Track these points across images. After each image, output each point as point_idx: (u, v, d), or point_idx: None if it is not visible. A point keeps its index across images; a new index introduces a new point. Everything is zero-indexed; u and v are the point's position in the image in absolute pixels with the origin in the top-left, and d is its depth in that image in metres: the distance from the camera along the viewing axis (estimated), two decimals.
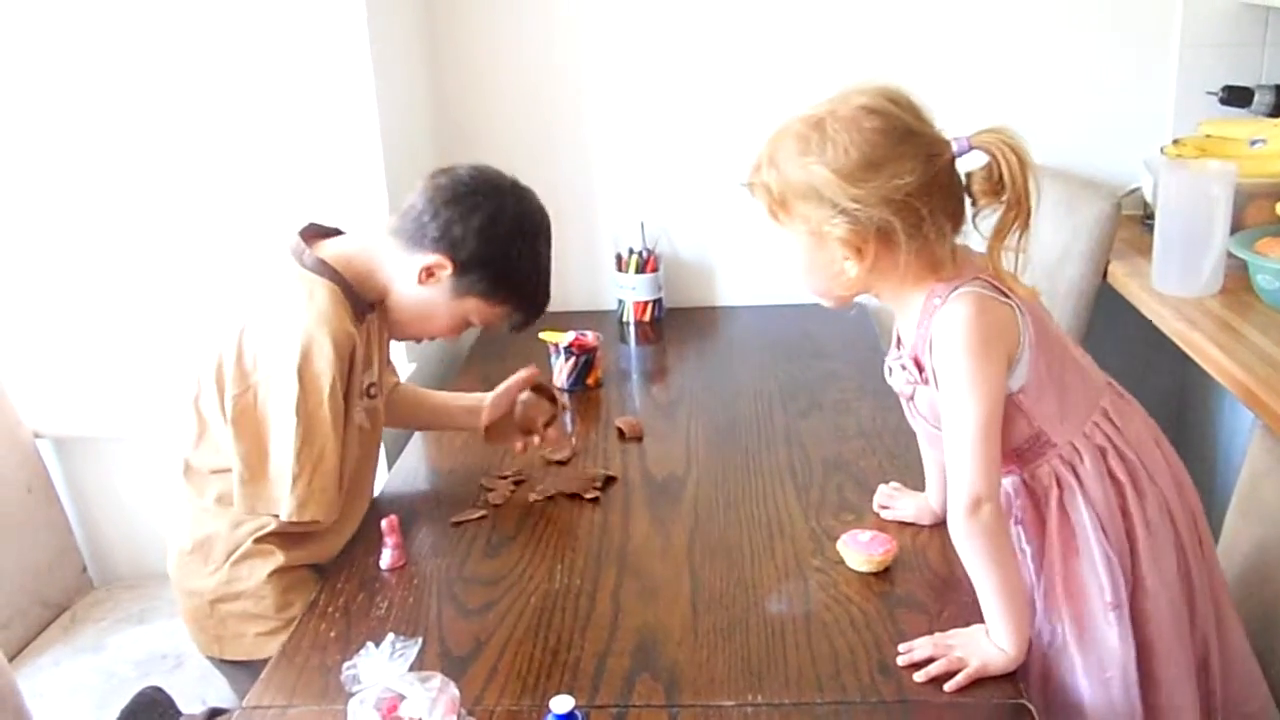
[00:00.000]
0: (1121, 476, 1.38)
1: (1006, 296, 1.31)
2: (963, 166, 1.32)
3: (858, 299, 1.40)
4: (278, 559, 1.62)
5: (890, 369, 1.45)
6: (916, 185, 1.24)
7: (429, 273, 1.60)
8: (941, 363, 1.31)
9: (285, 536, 1.63)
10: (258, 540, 1.62)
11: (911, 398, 1.42)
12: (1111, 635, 1.36)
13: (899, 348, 1.43)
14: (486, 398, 1.87)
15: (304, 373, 1.51)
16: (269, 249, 1.67)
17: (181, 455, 1.67)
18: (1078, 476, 1.37)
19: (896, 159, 1.25)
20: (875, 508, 1.66)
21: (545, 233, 1.69)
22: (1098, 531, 1.36)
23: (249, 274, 1.72)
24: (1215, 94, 2.37)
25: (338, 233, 1.71)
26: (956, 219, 1.31)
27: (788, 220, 1.32)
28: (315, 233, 1.67)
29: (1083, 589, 1.37)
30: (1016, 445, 1.37)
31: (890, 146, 1.25)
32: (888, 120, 1.26)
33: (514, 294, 1.66)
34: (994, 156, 1.28)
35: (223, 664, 1.70)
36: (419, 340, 1.75)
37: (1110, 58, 2.49)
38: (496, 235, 1.60)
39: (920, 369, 1.37)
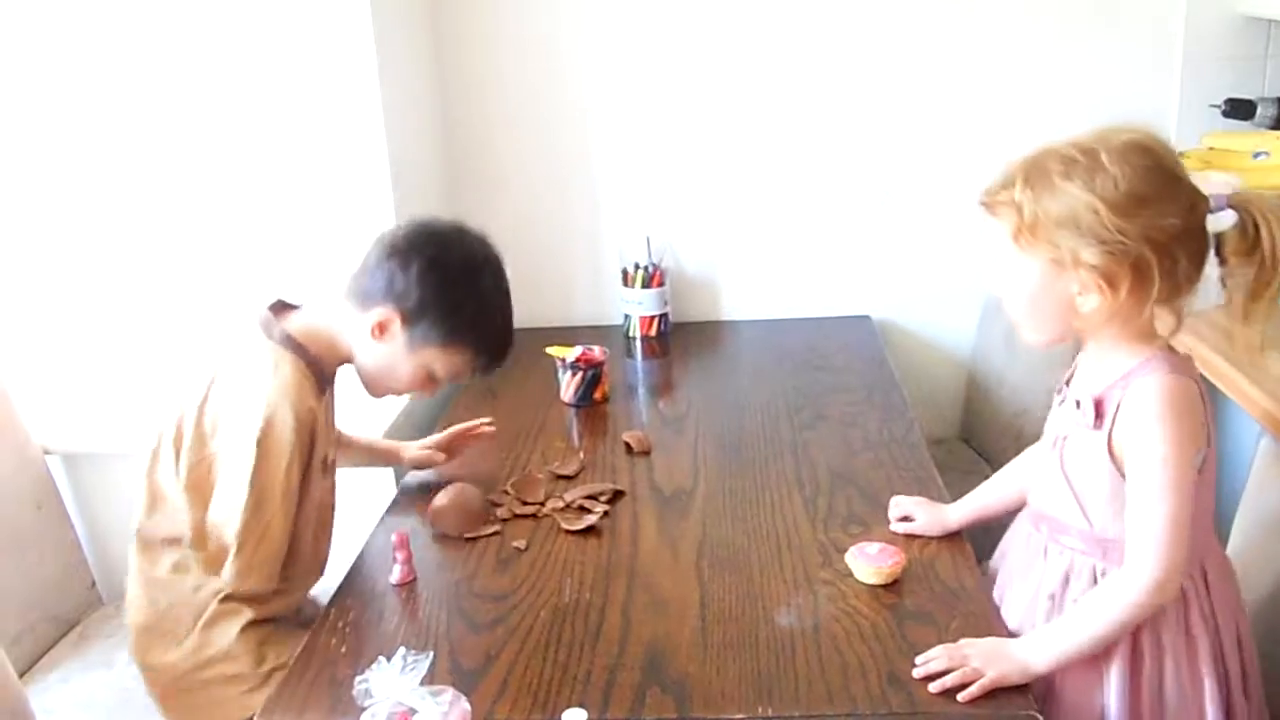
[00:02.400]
0: (1198, 632, 1.35)
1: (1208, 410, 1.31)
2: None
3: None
4: (246, 614, 1.63)
5: (1056, 410, 1.42)
6: (1178, 229, 1.25)
7: (381, 327, 1.62)
8: (1143, 430, 1.29)
9: (247, 594, 1.64)
10: (223, 601, 1.63)
11: (1065, 438, 1.39)
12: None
13: (1068, 385, 1.41)
14: (412, 446, 1.95)
15: (264, 444, 1.54)
16: (237, 318, 1.69)
17: (134, 527, 1.69)
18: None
19: (1163, 200, 1.25)
20: (892, 518, 1.65)
21: (491, 272, 1.69)
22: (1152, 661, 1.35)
23: (213, 343, 1.74)
24: (1218, 107, 2.38)
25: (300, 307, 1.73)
26: (1200, 274, 1.29)
27: (1030, 245, 1.30)
28: (282, 306, 1.69)
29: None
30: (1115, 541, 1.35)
31: (1159, 186, 1.25)
32: (1157, 160, 1.27)
33: (466, 339, 1.66)
34: (1252, 217, 1.27)
35: None
36: (398, 394, 1.75)
37: (1113, 71, 2.50)
38: (437, 281, 1.61)
39: (1099, 415, 1.34)
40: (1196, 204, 1.27)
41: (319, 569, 1.76)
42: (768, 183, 2.63)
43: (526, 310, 2.70)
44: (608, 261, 2.69)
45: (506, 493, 1.83)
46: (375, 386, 1.72)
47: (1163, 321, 1.33)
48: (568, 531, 1.70)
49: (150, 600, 1.67)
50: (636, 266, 2.61)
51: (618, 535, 1.70)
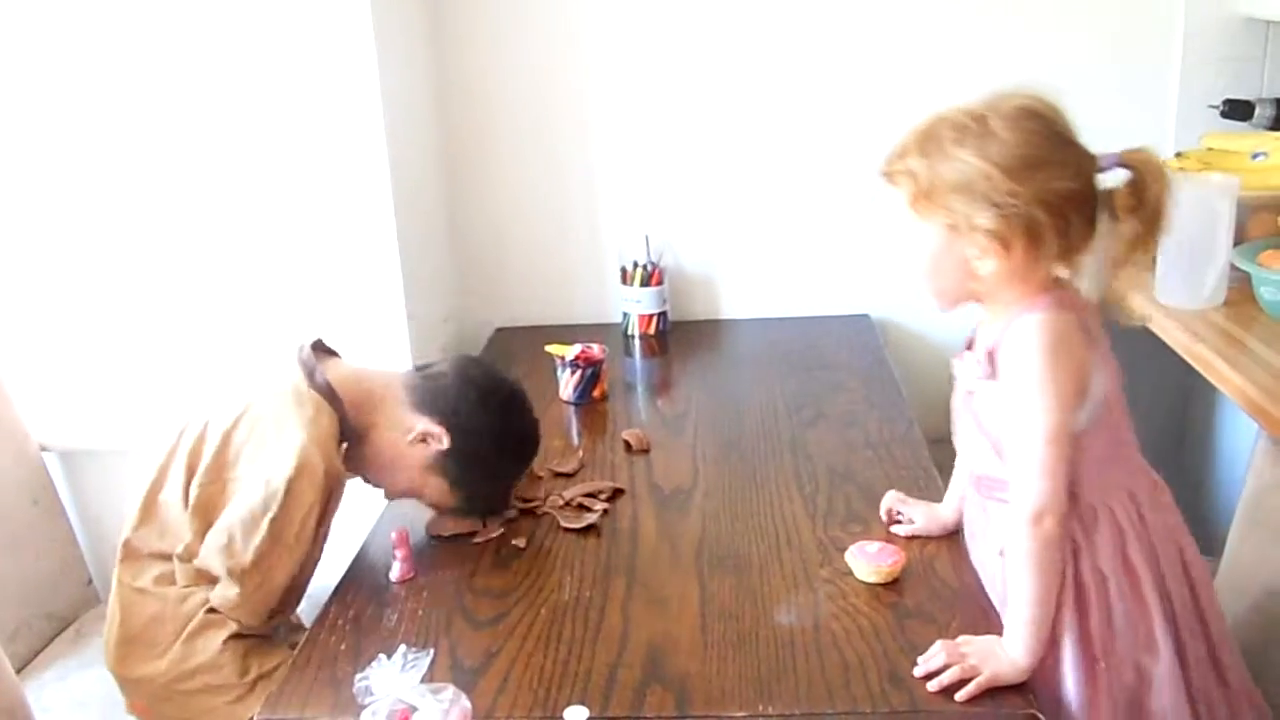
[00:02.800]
0: (1136, 561, 1.37)
1: (1093, 344, 1.33)
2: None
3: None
4: (230, 626, 1.63)
5: (958, 366, 1.46)
6: (1070, 191, 1.28)
7: (423, 438, 1.64)
8: (1016, 364, 1.33)
9: None
10: (209, 611, 1.63)
11: (972, 394, 1.43)
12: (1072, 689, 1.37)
13: (970, 349, 1.44)
14: None
15: (292, 489, 1.54)
16: (275, 351, 1.71)
17: (121, 537, 1.68)
18: (1089, 540, 1.37)
19: (1055, 163, 1.28)
20: (882, 515, 1.65)
21: (529, 462, 1.77)
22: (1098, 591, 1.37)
23: (247, 373, 1.74)
24: (1217, 107, 2.38)
25: (336, 354, 1.75)
26: (1093, 232, 1.33)
27: (927, 211, 1.33)
28: (321, 349, 1.71)
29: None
30: None
31: (1050, 149, 1.29)
32: (1047, 124, 1.30)
33: (474, 496, 1.70)
34: (1141, 173, 1.30)
35: None
36: (372, 484, 1.75)
37: (1112, 72, 2.50)
38: (496, 443, 1.66)
39: (993, 364, 1.37)
40: (1086, 165, 1.30)
41: (300, 595, 1.76)
42: (767, 181, 2.63)
43: (526, 308, 2.73)
44: (607, 260, 2.69)
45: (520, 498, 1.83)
46: (367, 466, 1.71)
47: (1060, 276, 1.36)
48: (567, 529, 1.70)
49: (131, 612, 1.67)
50: (635, 265, 2.61)
51: (617, 533, 1.70)
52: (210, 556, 1.58)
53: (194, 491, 1.60)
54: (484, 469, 1.67)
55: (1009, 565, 1.36)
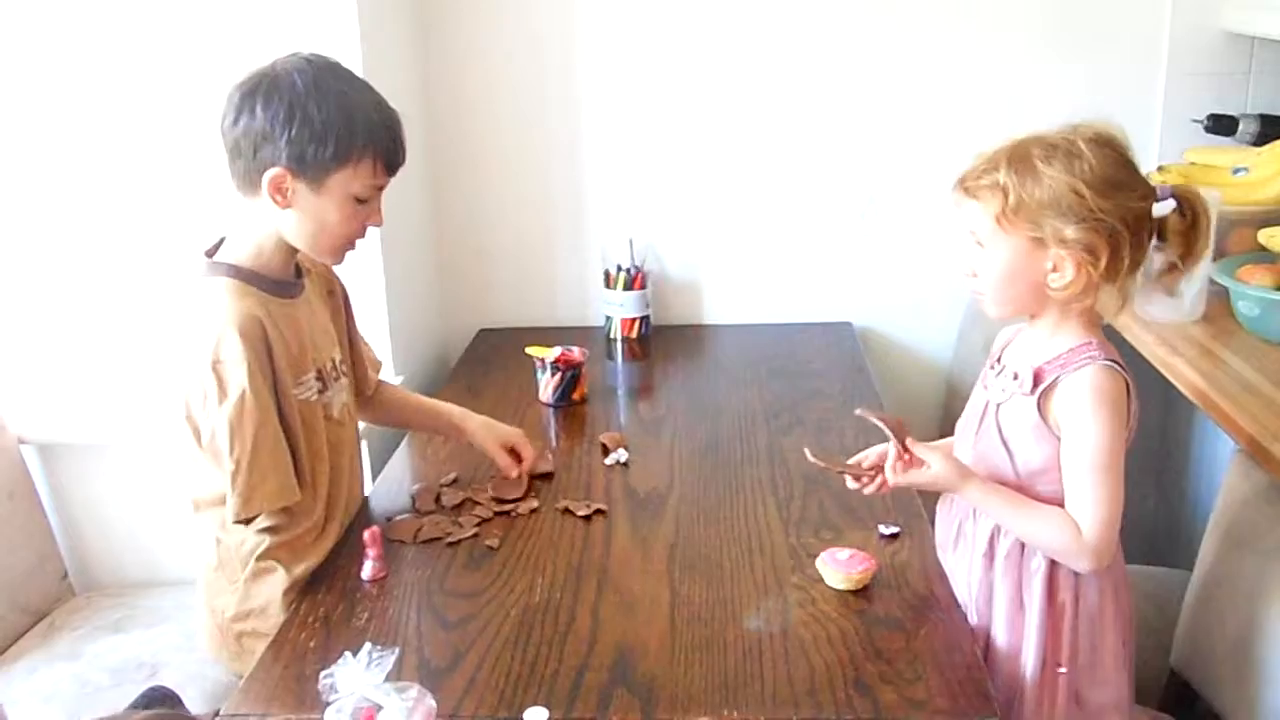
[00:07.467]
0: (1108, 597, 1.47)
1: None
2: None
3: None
4: (282, 576, 1.62)
5: (989, 377, 1.54)
6: (1142, 211, 1.39)
7: (277, 190, 1.55)
8: (1083, 418, 1.39)
9: (280, 548, 1.63)
10: (259, 559, 1.63)
11: (999, 405, 1.49)
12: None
13: (999, 361, 1.53)
14: (472, 419, 1.92)
15: (217, 369, 1.52)
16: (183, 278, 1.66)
17: (188, 497, 1.68)
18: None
19: (1131, 185, 1.38)
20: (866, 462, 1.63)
21: (326, 72, 1.58)
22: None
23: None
24: (1200, 122, 2.39)
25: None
26: (1145, 256, 1.42)
27: (1012, 223, 1.39)
28: (216, 247, 1.66)
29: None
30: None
31: (1127, 173, 1.39)
32: (1122, 151, 1.41)
33: (350, 142, 1.56)
34: (1190, 205, 1.42)
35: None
36: (347, 248, 1.66)
37: (1097, 85, 2.51)
38: (284, 110, 1.53)
39: (1036, 383, 1.43)
40: (1150, 192, 1.41)
41: (344, 502, 1.73)
42: (751, 188, 2.63)
43: (509, 310, 2.73)
44: (590, 263, 2.69)
45: (485, 492, 1.83)
46: (324, 250, 1.64)
47: (1111, 302, 1.45)
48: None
49: (216, 549, 1.68)
50: (619, 268, 2.61)
51: (590, 536, 1.70)
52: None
53: (204, 439, 1.57)
54: (315, 127, 1.54)
55: (1052, 513, 1.42)
